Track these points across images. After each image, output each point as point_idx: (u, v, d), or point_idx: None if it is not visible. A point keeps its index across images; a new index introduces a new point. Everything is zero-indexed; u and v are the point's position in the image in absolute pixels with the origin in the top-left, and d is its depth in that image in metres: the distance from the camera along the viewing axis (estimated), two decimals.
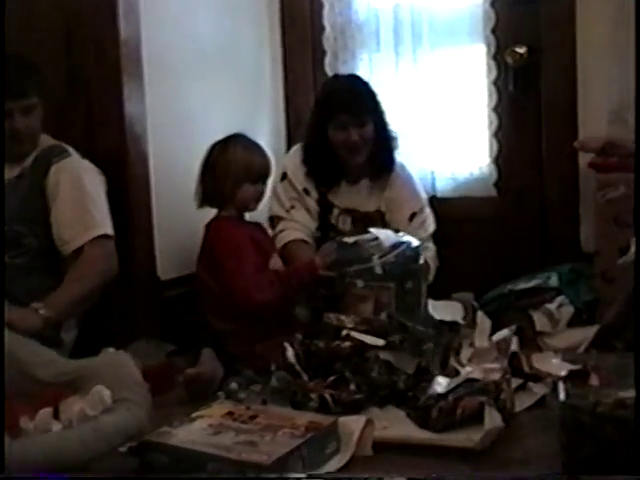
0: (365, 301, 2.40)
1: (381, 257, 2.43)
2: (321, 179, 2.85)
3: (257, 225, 2.71)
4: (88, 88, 2.63)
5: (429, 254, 2.75)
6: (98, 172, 2.52)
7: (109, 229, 2.44)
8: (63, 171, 2.44)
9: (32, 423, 1.70)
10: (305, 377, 2.12)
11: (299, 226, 2.81)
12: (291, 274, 2.57)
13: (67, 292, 2.29)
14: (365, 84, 2.82)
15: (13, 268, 2.37)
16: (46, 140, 2.50)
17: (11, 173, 2.46)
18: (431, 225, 2.86)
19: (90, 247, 2.38)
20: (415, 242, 2.51)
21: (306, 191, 2.85)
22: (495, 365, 2.12)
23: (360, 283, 2.42)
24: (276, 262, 2.64)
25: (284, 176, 2.86)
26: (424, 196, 2.92)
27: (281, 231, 2.81)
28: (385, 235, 2.53)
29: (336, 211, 2.85)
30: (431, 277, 2.72)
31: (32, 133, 2.45)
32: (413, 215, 2.82)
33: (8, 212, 2.39)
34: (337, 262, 2.51)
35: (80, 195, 2.42)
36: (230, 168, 2.57)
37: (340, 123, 2.73)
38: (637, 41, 2.49)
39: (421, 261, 2.50)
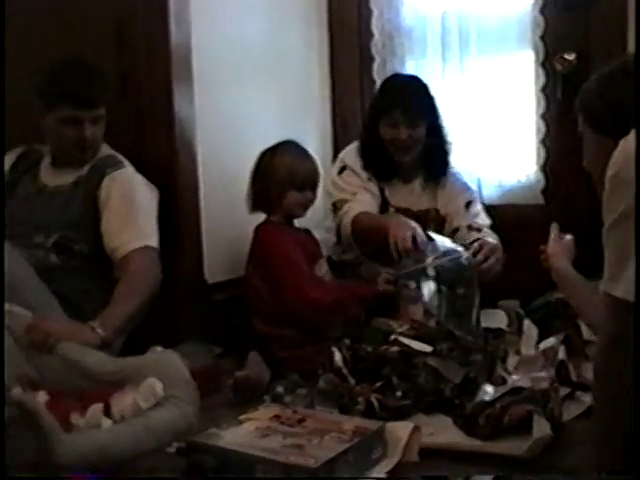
0: (416, 302, 2.41)
1: (435, 259, 2.44)
2: (376, 174, 2.87)
3: (305, 231, 2.73)
4: (139, 93, 2.66)
5: (494, 240, 2.75)
6: (151, 186, 2.55)
7: (155, 242, 2.45)
8: (116, 181, 2.47)
9: (83, 419, 1.73)
10: (352, 381, 2.13)
11: (364, 205, 2.80)
12: (351, 288, 2.58)
13: (120, 310, 2.26)
14: (424, 86, 2.83)
15: (64, 270, 2.41)
16: (104, 149, 2.55)
17: (67, 179, 2.51)
18: (487, 219, 2.86)
19: (137, 256, 2.37)
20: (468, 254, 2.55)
21: (370, 179, 2.87)
22: (542, 374, 2.11)
23: (412, 284, 2.43)
24: (322, 267, 2.65)
25: (344, 168, 2.88)
26: (475, 191, 2.94)
27: (346, 212, 2.79)
28: (441, 240, 2.54)
29: (391, 210, 2.86)
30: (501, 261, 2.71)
31: (97, 142, 2.50)
32: (469, 203, 2.84)
33: (61, 217, 2.44)
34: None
35: (130, 206, 2.45)
36: (275, 174, 2.61)
37: (391, 120, 2.75)
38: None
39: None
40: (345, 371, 2.16)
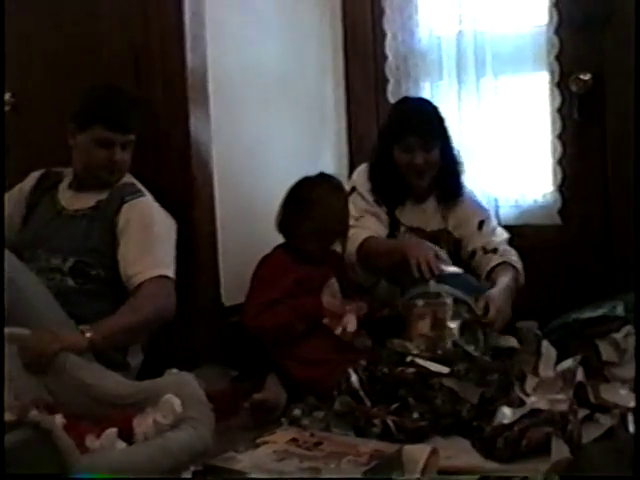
0: (423, 318, 2.42)
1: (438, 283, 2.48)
2: (386, 198, 2.87)
3: (322, 252, 2.71)
4: (156, 117, 2.68)
5: (513, 256, 2.75)
6: (169, 216, 2.56)
7: (171, 272, 2.45)
8: (135, 209, 2.48)
9: (98, 442, 1.73)
10: (368, 403, 2.13)
11: (369, 230, 2.80)
12: (296, 306, 2.54)
13: (117, 320, 2.30)
14: (434, 108, 2.85)
15: (81, 293, 2.42)
16: (126, 176, 2.57)
17: (86, 203, 2.53)
18: (504, 233, 2.85)
19: (150, 284, 2.38)
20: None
21: (377, 202, 2.87)
22: (561, 396, 2.10)
23: (420, 302, 2.45)
24: (332, 285, 2.64)
25: (353, 189, 2.88)
26: (488, 209, 2.94)
27: (349, 239, 2.77)
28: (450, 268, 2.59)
29: (402, 229, 2.86)
30: (522, 279, 2.73)
31: (124, 167, 2.53)
32: (481, 223, 2.83)
33: (78, 242, 2.46)
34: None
35: (148, 234, 2.46)
36: (305, 224, 2.58)
37: (407, 146, 2.75)
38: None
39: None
40: (361, 393, 2.15)
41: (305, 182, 2.66)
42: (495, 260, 2.73)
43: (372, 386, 2.19)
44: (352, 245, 2.76)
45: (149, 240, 2.45)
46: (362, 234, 2.77)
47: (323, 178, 2.67)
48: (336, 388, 2.19)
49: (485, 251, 2.76)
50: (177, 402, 1.78)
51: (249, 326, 2.51)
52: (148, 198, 2.55)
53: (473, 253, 2.80)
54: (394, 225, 2.87)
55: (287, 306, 2.52)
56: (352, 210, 2.79)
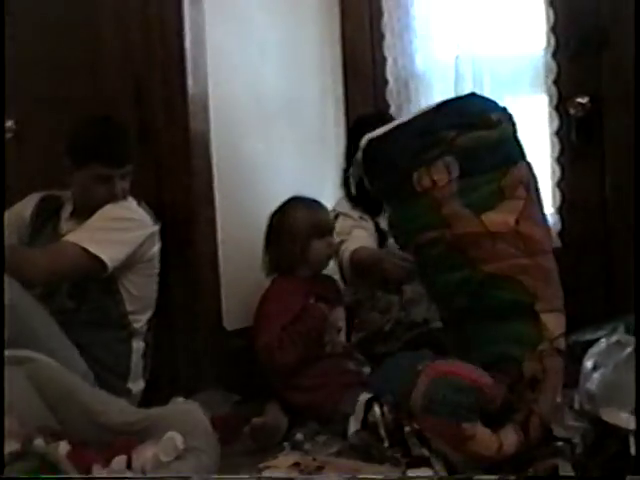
0: None
1: None
2: (367, 207, 2.89)
3: (326, 279, 2.73)
4: (158, 143, 2.69)
5: None
6: (152, 228, 2.54)
7: (104, 256, 2.38)
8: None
9: (105, 471, 1.73)
10: (387, 443, 1.98)
11: (358, 241, 2.81)
12: (300, 327, 2.51)
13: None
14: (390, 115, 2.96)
15: (79, 315, 2.46)
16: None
17: None
18: None
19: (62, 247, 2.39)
20: None
21: (363, 219, 2.89)
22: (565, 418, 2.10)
23: None
24: (339, 314, 2.64)
25: (336, 216, 2.89)
26: None
27: (343, 251, 2.79)
28: None
29: (390, 241, 2.84)
30: None
31: (125, 196, 2.52)
32: None
33: None
34: None
35: (101, 217, 2.46)
36: (294, 229, 2.59)
37: None
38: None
39: None
40: (382, 432, 1.99)
41: (276, 211, 2.67)
42: None
43: (395, 427, 1.97)
44: (345, 256, 2.78)
45: (99, 219, 2.45)
46: (354, 244, 2.79)
47: (291, 201, 2.68)
48: (342, 413, 2.16)
49: None
50: (179, 439, 1.77)
51: (277, 364, 2.48)
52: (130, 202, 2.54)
53: None
54: (382, 237, 2.88)
55: (295, 331, 2.49)
56: (342, 230, 2.82)
